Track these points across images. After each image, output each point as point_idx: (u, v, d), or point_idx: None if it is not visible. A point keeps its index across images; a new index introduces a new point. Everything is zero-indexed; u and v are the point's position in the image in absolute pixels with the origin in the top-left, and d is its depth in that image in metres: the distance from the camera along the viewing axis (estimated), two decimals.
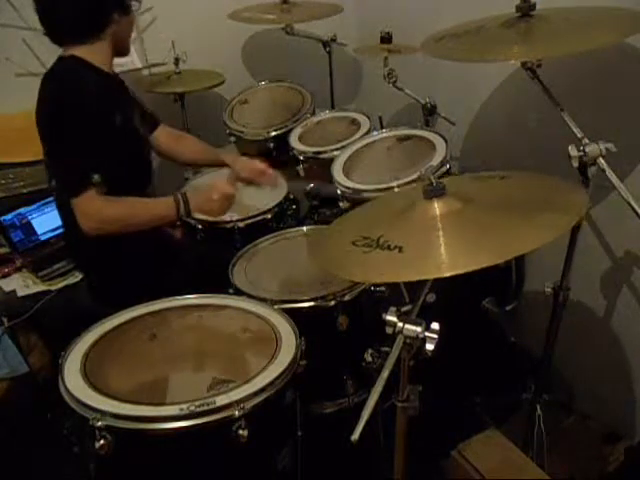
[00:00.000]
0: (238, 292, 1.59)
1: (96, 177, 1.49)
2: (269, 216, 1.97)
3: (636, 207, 1.21)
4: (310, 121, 2.36)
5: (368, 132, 2.16)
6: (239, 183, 1.89)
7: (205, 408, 1.11)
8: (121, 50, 1.69)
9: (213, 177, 2.21)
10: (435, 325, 0.97)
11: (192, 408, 1.11)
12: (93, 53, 1.59)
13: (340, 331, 1.54)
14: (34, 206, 2.08)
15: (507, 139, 2.10)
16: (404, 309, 1.00)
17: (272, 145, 2.36)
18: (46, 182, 1.81)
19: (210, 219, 1.88)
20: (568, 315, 1.58)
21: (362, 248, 1.06)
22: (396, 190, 1.72)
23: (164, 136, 1.97)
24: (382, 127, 2.21)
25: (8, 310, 1.87)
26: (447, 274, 0.92)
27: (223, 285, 1.63)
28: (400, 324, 0.97)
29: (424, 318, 0.99)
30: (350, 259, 1.08)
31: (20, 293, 1.93)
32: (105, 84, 1.61)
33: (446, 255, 0.97)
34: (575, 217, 1.04)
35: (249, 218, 1.92)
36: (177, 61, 2.43)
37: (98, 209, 1.53)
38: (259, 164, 1.94)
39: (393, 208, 1.18)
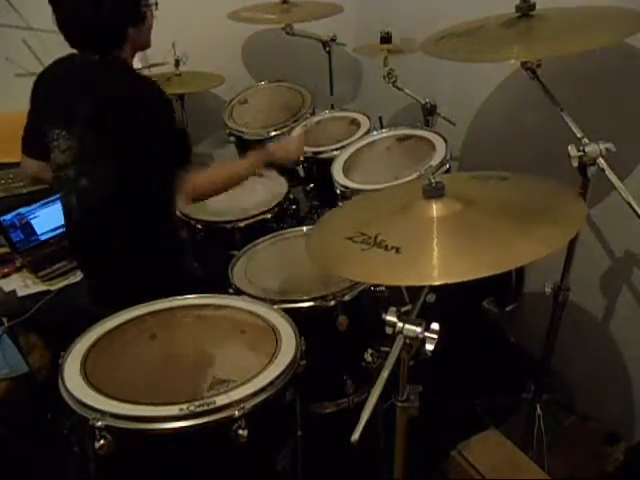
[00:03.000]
0: (238, 292, 1.59)
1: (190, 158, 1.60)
2: (269, 216, 1.97)
3: (636, 207, 1.21)
4: (310, 121, 2.36)
5: (368, 132, 2.16)
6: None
7: (205, 408, 1.11)
8: (142, 48, 1.72)
9: None
10: (435, 325, 0.97)
11: (192, 408, 1.10)
12: (120, 55, 1.61)
13: (340, 331, 1.54)
14: (34, 206, 2.08)
15: (507, 139, 2.10)
16: (404, 309, 1.00)
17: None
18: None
19: (211, 219, 1.88)
20: (568, 315, 1.58)
21: (360, 245, 1.06)
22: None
23: None
24: (382, 127, 2.21)
25: (8, 310, 1.87)
26: (439, 282, 0.93)
27: (223, 285, 1.63)
28: (400, 324, 0.97)
29: (424, 318, 0.99)
30: (348, 257, 1.07)
31: (20, 293, 1.93)
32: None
33: (441, 262, 0.97)
34: (573, 231, 1.05)
35: (249, 218, 1.92)
36: (177, 63, 2.43)
37: (201, 180, 1.60)
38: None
39: (392, 206, 1.18)
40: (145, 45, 1.72)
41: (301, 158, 2.03)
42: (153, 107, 1.55)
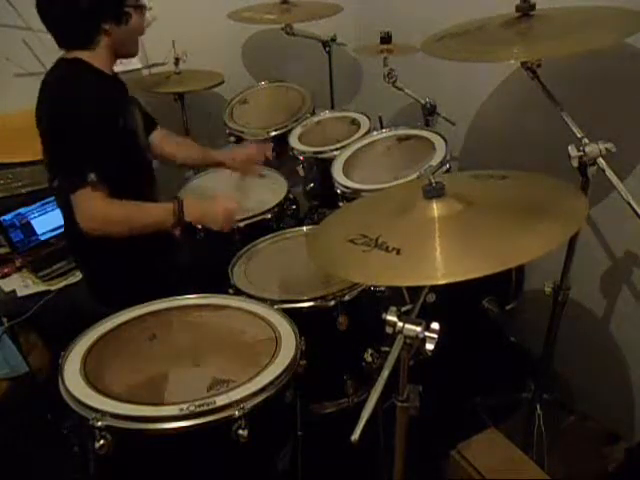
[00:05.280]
0: (238, 292, 1.59)
1: (92, 176, 1.51)
2: (269, 216, 1.96)
3: (636, 207, 1.22)
4: (310, 121, 2.36)
5: (368, 132, 2.16)
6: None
7: (205, 408, 1.11)
8: (124, 54, 1.71)
9: (213, 178, 2.22)
10: (435, 325, 0.97)
11: (192, 408, 1.11)
12: (93, 56, 1.61)
13: (340, 331, 1.54)
14: (34, 206, 2.08)
15: (507, 139, 2.10)
16: (404, 309, 1.00)
17: (272, 145, 2.36)
18: (46, 182, 1.81)
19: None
20: (568, 314, 1.58)
21: (361, 247, 1.06)
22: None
23: (160, 139, 2.00)
24: (382, 127, 2.21)
25: (8, 310, 1.87)
26: (443, 282, 0.92)
27: (223, 285, 1.63)
28: (400, 324, 0.97)
29: (424, 318, 0.99)
30: (349, 258, 1.08)
31: (20, 293, 1.93)
32: (105, 87, 1.63)
33: (443, 261, 0.97)
34: (574, 227, 1.05)
35: (249, 218, 1.92)
36: (177, 61, 2.43)
37: (96, 209, 1.54)
38: (248, 150, 2.06)
39: (392, 207, 1.18)
40: (128, 49, 1.70)
41: (225, 230, 1.76)
42: (64, 110, 1.53)
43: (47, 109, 1.57)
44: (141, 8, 1.67)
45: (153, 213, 1.66)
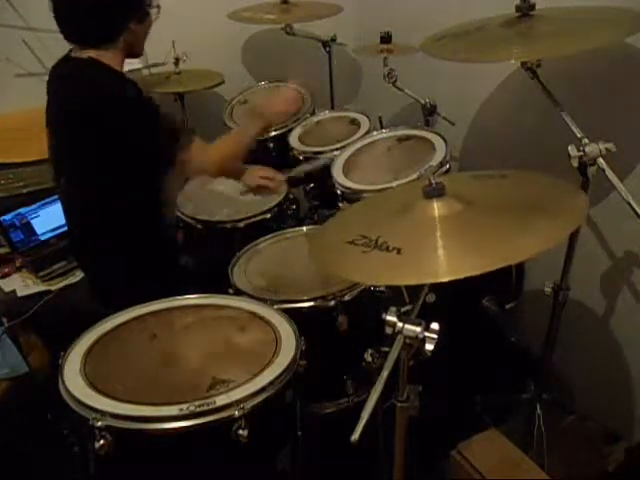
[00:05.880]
0: (238, 292, 1.59)
1: (192, 130, 1.61)
2: (269, 216, 1.96)
3: (636, 207, 1.22)
4: (310, 121, 2.36)
5: (368, 132, 2.16)
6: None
7: (205, 408, 1.11)
8: (134, 54, 1.71)
9: None
10: (435, 325, 0.97)
11: (192, 408, 1.11)
12: (105, 55, 1.60)
13: (340, 331, 1.54)
14: (34, 206, 2.08)
15: (507, 139, 2.10)
16: (404, 309, 1.00)
17: (272, 145, 2.36)
18: (46, 182, 1.81)
19: (211, 219, 1.90)
20: (568, 315, 1.58)
21: (361, 247, 1.06)
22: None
23: None
24: (382, 127, 2.21)
25: (8, 310, 1.88)
26: (444, 279, 0.92)
27: (223, 285, 1.63)
28: (400, 324, 0.97)
29: (424, 318, 0.99)
30: (349, 259, 1.08)
31: (20, 293, 1.93)
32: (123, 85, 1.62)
33: (444, 259, 0.97)
34: (574, 224, 1.04)
35: (249, 218, 1.92)
36: (177, 61, 2.44)
37: (211, 155, 1.66)
38: (264, 172, 2.01)
39: (392, 207, 1.18)
40: (139, 49, 1.71)
41: (292, 110, 2.03)
42: (104, 108, 1.52)
43: (85, 98, 1.54)
44: (157, 8, 1.68)
45: (241, 135, 1.84)
